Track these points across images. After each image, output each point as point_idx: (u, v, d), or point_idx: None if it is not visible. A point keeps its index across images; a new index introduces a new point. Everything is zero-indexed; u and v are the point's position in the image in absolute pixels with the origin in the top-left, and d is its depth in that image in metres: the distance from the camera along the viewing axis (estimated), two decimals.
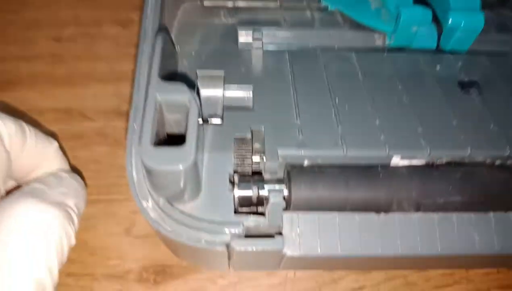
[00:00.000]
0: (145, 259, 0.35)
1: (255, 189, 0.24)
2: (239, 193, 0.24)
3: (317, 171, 0.25)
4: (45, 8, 0.51)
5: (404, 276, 0.34)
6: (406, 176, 0.24)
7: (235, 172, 0.25)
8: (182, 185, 0.22)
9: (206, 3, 0.38)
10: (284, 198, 0.24)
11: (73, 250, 0.35)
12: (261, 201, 0.24)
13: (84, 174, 0.39)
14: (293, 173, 0.25)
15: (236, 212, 0.24)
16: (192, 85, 0.30)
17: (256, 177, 0.25)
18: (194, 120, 0.22)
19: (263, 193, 0.24)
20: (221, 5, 0.38)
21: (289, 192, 0.24)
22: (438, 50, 0.34)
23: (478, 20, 0.31)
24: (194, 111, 0.22)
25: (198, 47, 0.33)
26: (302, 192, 0.24)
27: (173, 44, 0.30)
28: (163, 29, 0.27)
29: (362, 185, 0.24)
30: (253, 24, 0.35)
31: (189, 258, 0.29)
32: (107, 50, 0.48)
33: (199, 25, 0.35)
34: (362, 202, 0.24)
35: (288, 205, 0.24)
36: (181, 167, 0.21)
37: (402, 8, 0.31)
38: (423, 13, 0.32)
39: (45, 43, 0.48)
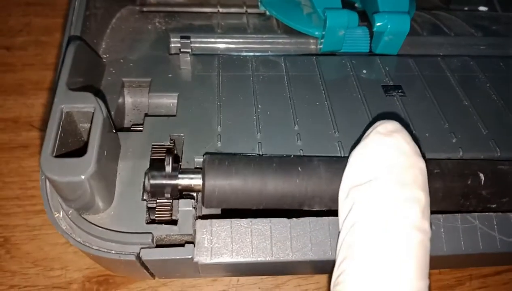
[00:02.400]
0: (88, 269, 0.35)
1: (168, 177, 0.24)
2: (152, 180, 0.23)
3: (234, 163, 0.24)
4: None
5: None
6: (323, 181, 0.24)
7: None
8: (87, 195, 0.22)
9: (145, 8, 0.38)
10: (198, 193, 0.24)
11: (15, 261, 0.35)
12: (175, 192, 0.24)
13: (29, 184, 0.39)
14: (208, 163, 0.24)
15: (148, 211, 0.24)
16: (117, 94, 0.30)
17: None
18: (97, 130, 0.22)
19: (177, 181, 0.24)
20: (160, 10, 0.38)
21: (203, 181, 0.23)
22: (371, 54, 0.34)
23: (404, 23, 0.32)
24: (97, 120, 0.22)
25: (128, 54, 0.33)
26: (216, 181, 0.23)
27: (95, 52, 0.30)
28: (78, 38, 0.27)
29: (279, 182, 0.23)
30: (187, 30, 0.35)
31: (114, 270, 0.29)
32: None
33: (132, 32, 0.35)
34: (276, 198, 0.23)
35: (202, 198, 0.24)
36: (80, 177, 0.21)
37: (328, 12, 0.32)
38: (349, 17, 0.32)
39: None
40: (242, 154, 0.26)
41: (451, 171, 0.25)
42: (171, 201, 0.25)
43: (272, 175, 0.23)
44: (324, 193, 0.23)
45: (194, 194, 0.26)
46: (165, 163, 0.24)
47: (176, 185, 0.24)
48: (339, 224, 0.23)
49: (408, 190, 0.21)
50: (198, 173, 0.24)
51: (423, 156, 0.23)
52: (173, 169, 0.24)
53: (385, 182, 0.21)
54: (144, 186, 0.25)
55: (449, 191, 0.24)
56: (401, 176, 0.21)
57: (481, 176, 0.25)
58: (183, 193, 0.25)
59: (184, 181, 0.24)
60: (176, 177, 0.24)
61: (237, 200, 0.23)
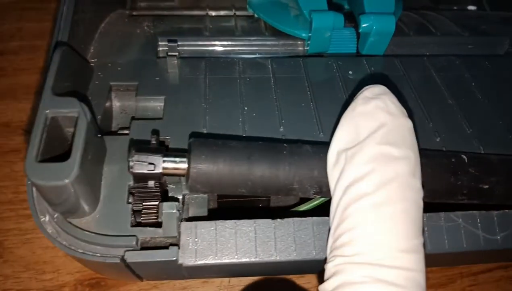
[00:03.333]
0: (80, 272, 0.35)
1: (154, 150, 0.23)
2: (136, 154, 0.23)
3: (221, 145, 0.24)
4: None
5: None
6: (310, 155, 0.24)
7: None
8: (72, 199, 0.22)
9: (135, 12, 0.38)
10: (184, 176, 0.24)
11: (8, 265, 0.35)
12: (158, 169, 0.23)
13: (22, 188, 0.39)
14: (194, 145, 0.23)
15: (133, 214, 0.24)
16: (105, 98, 0.30)
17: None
18: (81, 134, 0.22)
19: (162, 158, 0.23)
20: (150, 13, 0.39)
21: (189, 164, 0.23)
22: (357, 54, 0.35)
23: (389, 24, 0.32)
24: (81, 125, 0.23)
25: (116, 58, 0.33)
26: (201, 164, 0.23)
27: (83, 58, 0.31)
28: (65, 44, 0.28)
29: (265, 160, 0.23)
30: (176, 33, 0.35)
31: (102, 272, 0.29)
32: None
33: (120, 36, 0.35)
34: (264, 178, 0.23)
35: (187, 180, 0.23)
36: (63, 182, 0.21)
37: (313, 14, 0.32)
38: (335, 18, 0.32)
39: None
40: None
41: (434, 151, 0.25)
42: (157, 203, 0.25)
43: (258, 151, 0.23)
44: (312, 165, 0.23)
45: (180, 197, 0.26)
46: (151, 139, 0.24)
47: (159, 160, 0.23)
48: (331, 190, 0.23)
49: (397, 149, 0.21)
50: (183, 155, 0.23)
51: (411, 118, 0.23)
52: (159, 150, 0.24)
53: (374, 143, 0.21)
54: (127, 161, 0.24)
55: (437, 166, 0.24)
56: (389, 136, 0.21)
57: (463, 156, 0.25)
58: (167, 183, 0.25)
59: (169, 163, 0.23)
60: (161, 153, 0.23)
61: (222, 179, 0.23)
